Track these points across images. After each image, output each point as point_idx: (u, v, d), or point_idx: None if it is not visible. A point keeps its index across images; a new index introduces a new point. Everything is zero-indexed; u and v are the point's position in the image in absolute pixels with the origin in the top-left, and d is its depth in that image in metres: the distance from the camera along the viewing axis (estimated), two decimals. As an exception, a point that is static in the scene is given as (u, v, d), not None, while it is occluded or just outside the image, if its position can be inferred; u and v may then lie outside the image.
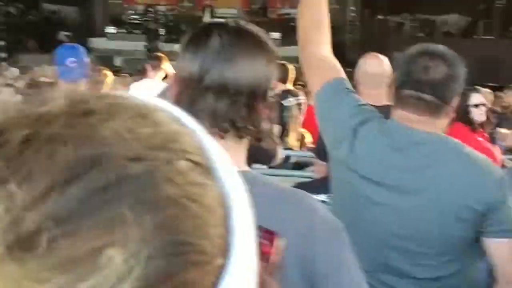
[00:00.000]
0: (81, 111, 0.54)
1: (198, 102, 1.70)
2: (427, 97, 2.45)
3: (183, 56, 1.75)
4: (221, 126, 1.69)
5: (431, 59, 2.48)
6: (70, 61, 4.65)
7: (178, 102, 1.70)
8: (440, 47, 2.54)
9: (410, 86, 2.48)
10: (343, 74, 2.70)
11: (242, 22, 1.79)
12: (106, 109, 0.55)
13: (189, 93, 1.71)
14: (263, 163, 4.72)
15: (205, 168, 0.57)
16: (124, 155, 0.52)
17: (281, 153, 4.99)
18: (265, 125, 1.74)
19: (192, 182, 0.55)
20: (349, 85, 2.69)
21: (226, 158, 0.60)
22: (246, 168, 1.74)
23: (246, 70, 1.70)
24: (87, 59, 4.81)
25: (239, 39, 1.72)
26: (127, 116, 0.55)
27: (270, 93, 1.74)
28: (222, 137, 1.69)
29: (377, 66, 4.48)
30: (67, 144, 0.51)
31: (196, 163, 0.56)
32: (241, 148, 1.74)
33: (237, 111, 1.69)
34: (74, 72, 4.66)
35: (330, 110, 2.61)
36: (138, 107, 0.57)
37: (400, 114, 2.51)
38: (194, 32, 1.77)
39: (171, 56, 19.87)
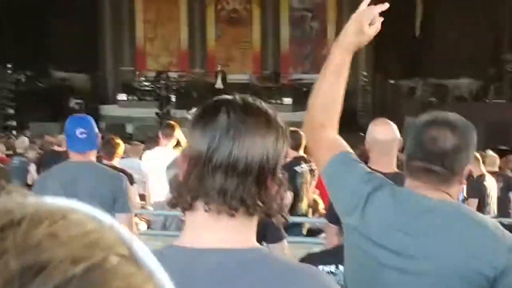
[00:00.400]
0: (10, 221, 0.55)
1: (207, 180, 1.67)
2: (437, 168, 2.45)
3: (192, 134, 1.74)
4: (231, 204, 1.67)
5: (439, 129, 2.46)
6: (79, 132, 4.60)
7: (187, 180, 1.70)
8: (450, 116, 2.52)
9: (420, 158, 2.47)
10: (350, 150, 2.71)
11: (250, 98, 1.77)
12: (32, 215, 0.56)
13: (198, 172, 1.69)
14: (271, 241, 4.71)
15: (133, 259, 0.59)
16: (65, 258, 0.54)
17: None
18: (275, 202, 1.72)
19: (130, 274, 0.57)
20: (355, 157, 2.69)
21: (143, 247, 0.61)
22: (257, 244, 1.71)
23: (255, 147, 1.68)
24: (96, 130, 4.76)
25: (247, 116, 1.70)
26: (53, 220, 0.56)
27: (280, 169, 1.72)
28: (232, 215, 1.67)
29: (385, 132, 4.48)
30: (7, 254, 0.53)
31: (125, 256, 0.58)
32: (251, 225, 1.71)
33: (247, 189, 1.67)
34: (83, 143, 4.62)
35: (340, 180, 2.62)
36: (59, 210, 0.58)
37: (411, 183, 2.52)
38: (202, 109, 1.76)
39: (183, 122, 19.90)
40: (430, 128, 2.47)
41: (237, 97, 1.76)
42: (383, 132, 4.47)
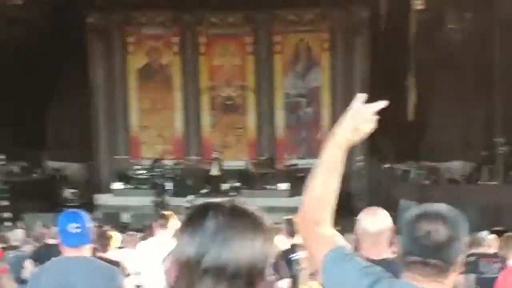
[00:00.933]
0: None
1: (196, 286, 1.69)
2: (432, 261, 2.50)
3: (180, 238, 1.75)
4: None
5: (431, 223, 2.51)
6: (73, 227, 4.58)
7: (176, 286, 1.73)
8: (441, 207, 2.57)
9: (416, 253, 2.52)
10: (345, 243, 2.72)
11: (237, 201, 1.79)
12: None
13: (187, 277, 1.71)
14: None
15: None
16: None
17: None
18: None
19: None
20: (351, 250, 2.72)
21: None
22: None
23: (243, 251, 1.70)
24: (90, 225, 4.73)
25: (235, 220, 1.73)
26: None
27: (268, 271, 1.75)
28: None
29: (376, 224, 4.44)
30: None
31: None
32: None
33: None
34: (77, 238, 4.61)
35: (337, 276, 2.61)
36: None
37: (409, 275, 2.56)
38: (189, 214, 1.79)
39: (179, 210, 19.85)
40: (422, 222, 2.51)
41: (224, 201, 1.78)
42: (373, 224, 4.44)
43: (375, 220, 4.48)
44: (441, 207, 2.57)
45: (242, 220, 1.74)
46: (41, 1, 25.01)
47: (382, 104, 2.69)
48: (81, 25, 27.03)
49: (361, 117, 2.67)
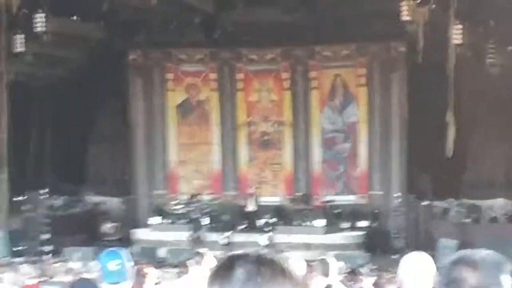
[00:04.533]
0: None
1: None
2: None
3: None
4: None
5: (464, 269, 2.50)
6: (112, 265, 4.66)
7: None
8: (478, 253, 2.56)
9: None
10: None
11: (264, 252, 1.82)
12: None
13: None
14: None
15: None
16: None
17: None
18: None
19: None
20: None
21: None
22: None
23: None
24: (130, 263, 4.80)
25: (263, 270, 1.75)
26: None
27: None
28: None
29: (418, 269, 4.43)
30: None
31: None
32: None
33: None
34: (116, 275, 4.67)
35: None
36: None
37: None
38: (218, 266, 1.82)
39: (215, 246, 19.93)
40: (456, 269, 2.51)
41: (251, 251, 1.81)
42: (417, 268, 4.44)
43: (417, 265, 4.50)
44: (479, 253, 2.56)
45: (270, 269, 1.75)
46: (82, 39, 25.36)
47: None
48: (122, 62, 27.41)
49: None
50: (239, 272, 1.74)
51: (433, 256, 4.49)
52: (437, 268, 2.63)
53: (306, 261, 13.31)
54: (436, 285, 2.64)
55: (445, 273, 2.53)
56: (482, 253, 2.55)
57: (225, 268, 1.77)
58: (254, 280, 1.72)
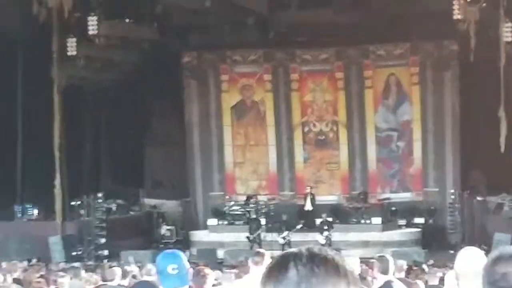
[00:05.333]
0: None
1: None
2: None
3: None
4: None
5: (507, 265, 2.48)
6: (171, 268, 4.70)
7: None
8: None
9: None
10: None
11: (316, 248, 1.82)
12: None
13: None
14: None
15: None
16: None
17: None
18: None
19: None
20: None
21: None
22: None
23: None
24: (188, 265, 4.88)
25: (316, 267, 1.75)
26: None
27: None
28: None
29: (473, 264, 4.49)
30: None
31: None
32: None
33: None
34: (175, 279, 4.70)
35: None
36: None
37: None
38: (270, 267, 1.81)
39: (274, 246, 19.98)
40: (499, 265, 2.49)
41: (303, 249, 1.81)
42: (471, 264, 4.49)
43: (472, 260, 4.51)
44: None
45: (323, 266, 1.75)
46: (135, 41, 25.48)
47: None
48: (177, 64, 27.61)
49: None
50: (293, 273, 1.75)
51: (488, 251, 4.54)
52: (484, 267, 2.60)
53: (365, 258, 13.32)
54: (482, 283, 2.58)
55: (488, 270, 2.51)
56: None
57: (278, 269, 1.77)
58: (308, 280, 1.74)
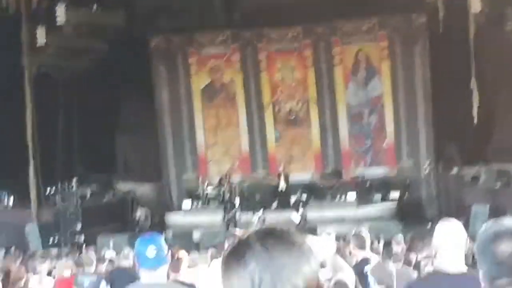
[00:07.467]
0: None
1: None
2: None
3: (226, 280, 1.83)
4: None
5: (510, 243, 2.45)
6: (150, 250, 4.75)
7: None
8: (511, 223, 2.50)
9: (505, 275, 2.44)
10: None
11: (269, 228, 1.85)
12: None
13: None
14: None
15: None
16: None
17: None
18: None
19: None
20: None
21: None
22: None
23: (293, 275, 1.76)
24: (166, 246, 4.90)
25: (273, 247, 1.78)
26: None
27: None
28: None
29: (452, 234, 4.50)
30: None
31: None
32: None
33: None
34: (154, 260, 4.75)
35: None
36: None
37: None
38: (226, 255, 1.85)
39: (249, 226, 20.01)
40: (502, 244, 2.45)
41: (255, 231, 1.84)
42: (450, 234, 4.50)
43: (450, 230, 4.54)
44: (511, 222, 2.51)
45: (279, 245, 1.78)
46: (103, 27, 25.43)
47: None
48: (145, 50, 27.52)
49: None
50: (250, 258, 1.77)
51: (466, 222, 4.56)
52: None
53: (341, 235, 13.36)
54: (482, 264, 2.52)
55: (490, 251, 2.46)
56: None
57: (235, 257, 1.81)
58: (267, 261, 1.76)
